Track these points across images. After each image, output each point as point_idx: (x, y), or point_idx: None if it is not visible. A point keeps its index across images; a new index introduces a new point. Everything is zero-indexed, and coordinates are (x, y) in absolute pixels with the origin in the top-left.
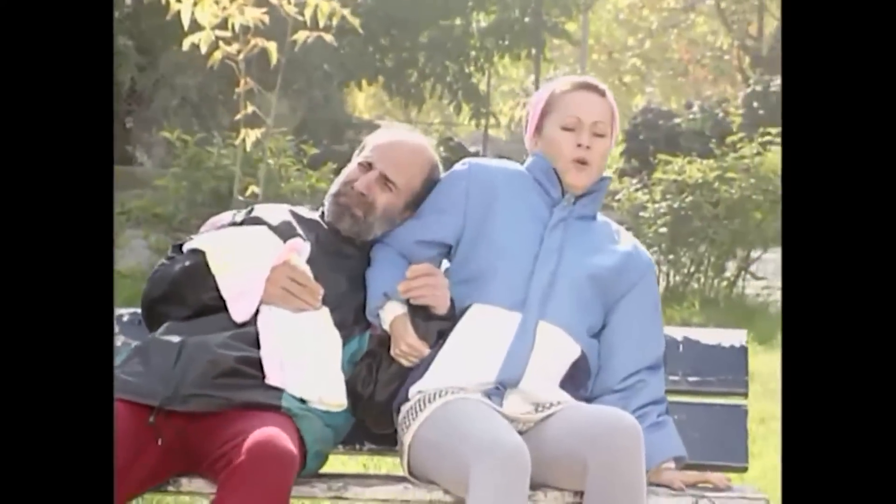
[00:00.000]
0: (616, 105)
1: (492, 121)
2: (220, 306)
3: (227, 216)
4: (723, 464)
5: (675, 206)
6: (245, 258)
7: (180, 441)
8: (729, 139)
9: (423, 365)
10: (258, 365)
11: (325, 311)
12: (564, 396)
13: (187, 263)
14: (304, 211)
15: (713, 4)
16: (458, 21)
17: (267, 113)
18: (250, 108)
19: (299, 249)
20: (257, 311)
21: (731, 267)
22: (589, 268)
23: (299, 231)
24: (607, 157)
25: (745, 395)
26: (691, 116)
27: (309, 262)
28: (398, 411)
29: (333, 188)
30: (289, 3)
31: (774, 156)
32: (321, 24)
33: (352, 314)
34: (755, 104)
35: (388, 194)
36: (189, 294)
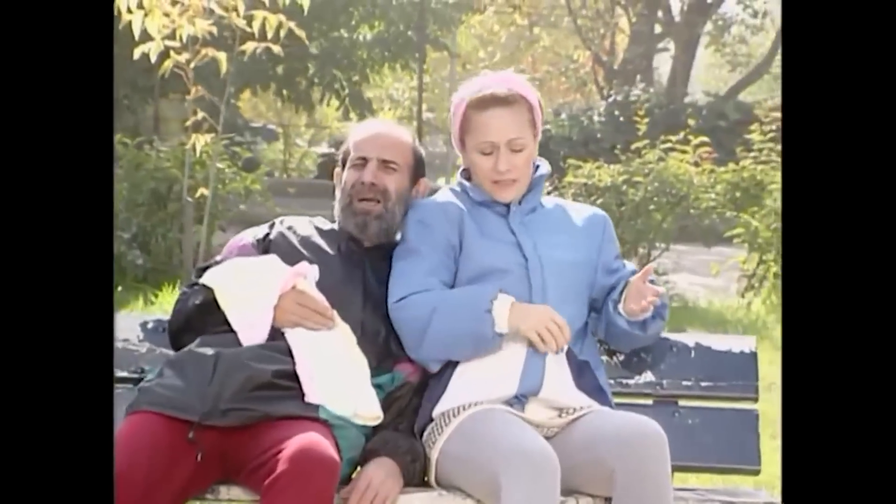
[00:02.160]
0: (532, 94)
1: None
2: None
3: (248, 234)
4: (736, 466)
5: None
6: (252, 290)
7: (218, 452)
8: (633, 145)
9: (440, 386)
10: (293, 377)
11: (346, 328)
12: (586, 401)
13: (198, 301)
14: (324, 222)
15: (570, 20)
16: (345, 34)
17: (214, 119)
18: (200, 115)
19: (305, 273)
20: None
21: (634, 264)
22: (567, 262)
23: (322, 243)
24: (532, 160)
25: (756, 399)
26: (560, 123)
27: (333, 272)
28: (421, 432)
29: (342, 201)
30: (238, 15)
31: (675, 161)
32: (269, 36)
33: (381, 321)
34: (616, 112)
35: (394, 175)
36: (201, 327)
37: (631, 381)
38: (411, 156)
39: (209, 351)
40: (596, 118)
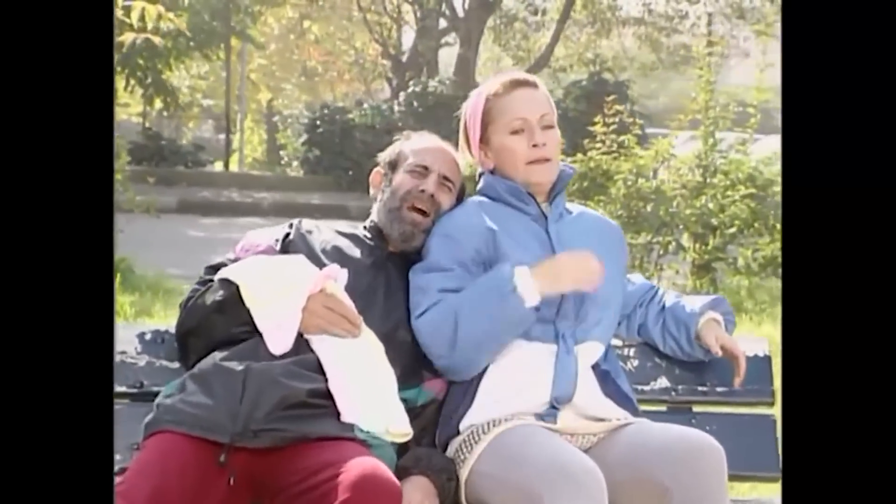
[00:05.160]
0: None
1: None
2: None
3: (262, 236)
4: (755, 473)
5: None
6: (280, 289)
7: (249, 475)
8: None
9: (468, 396)
10: (327, 395)
11: (373, 337)
12: (618, 411)
13: (219, 296)
14: (344, 226)
15: (360, 15)
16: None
17: None
18: None
19: (335, 276)
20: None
21: None
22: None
23: (343, 247)
24: (560, 145)
25: (772, 403)
26: (363, 113)
27: (356, 278)
28: (444, 446)
29: (392, 204)
30: (116, 6)
31: None
32: (148, 27)
33: (406, 329)
34: (415, 103)
35: (448, 194)
36: (219, 327)
37: (646, 388)
38: (460, 179)
39: (237, 365)
40: (396, 108)
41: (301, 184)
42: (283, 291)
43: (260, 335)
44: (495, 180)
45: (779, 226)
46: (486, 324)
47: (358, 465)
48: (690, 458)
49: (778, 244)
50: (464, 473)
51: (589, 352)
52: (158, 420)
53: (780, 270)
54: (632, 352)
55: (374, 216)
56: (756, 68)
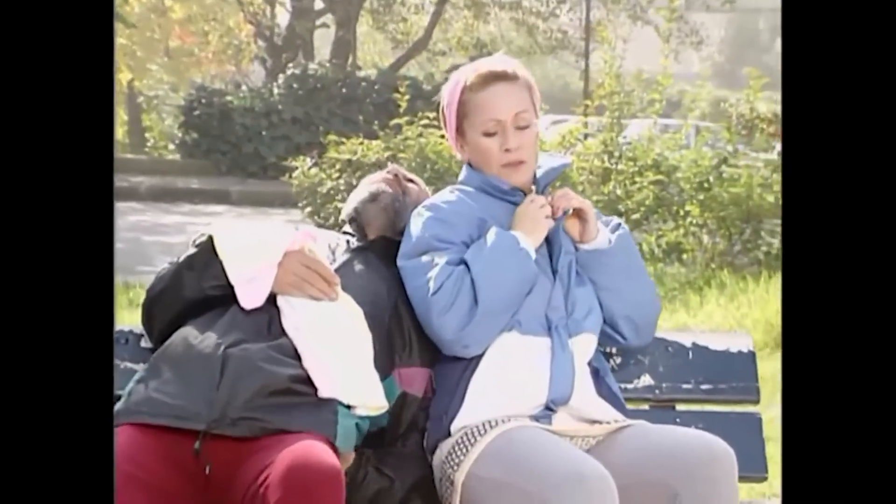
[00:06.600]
0: (529, 75)
1: None
2: (220, 297)
3: None
4: (742, 474)
5: (353, 182)
6: (256, 244)
7: (226, 466)
8: (393, 122)
9: (458, 394)
10: (308, 381)
11: (351, 301)
12: (613, 413)
13: (192, 251)
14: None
15: None
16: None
17: None
18: None
19: (314, 236)
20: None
21: None
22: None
23: (323, 238)
24: (537, 141)
25: (757, 401)
26: (241, 95)
27: (333, 263)
28: (434, 448)
29: (361, 187)
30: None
31: (434, 137)
32: None
33: (379, 302)
34: (294, 85)
35: (415, 187)
36: (188, 283)
37: (629, 386)
38: (426, 193)
39: (215, 349)
40: (276, 91)
41: (179, 167)
42: (260, 245)
43: (233, 295)
44: (478, 175)
45: (682, 211)
46: (508, 283)
47: (285, 458)
48: (701, 465)
49: (681, 230)
50: (459, 477)
51: (583, 345)
52: (131, 410)
53: (683, 256)
54: (614, 349)
55: (349, 214)
56: (660, 54)
